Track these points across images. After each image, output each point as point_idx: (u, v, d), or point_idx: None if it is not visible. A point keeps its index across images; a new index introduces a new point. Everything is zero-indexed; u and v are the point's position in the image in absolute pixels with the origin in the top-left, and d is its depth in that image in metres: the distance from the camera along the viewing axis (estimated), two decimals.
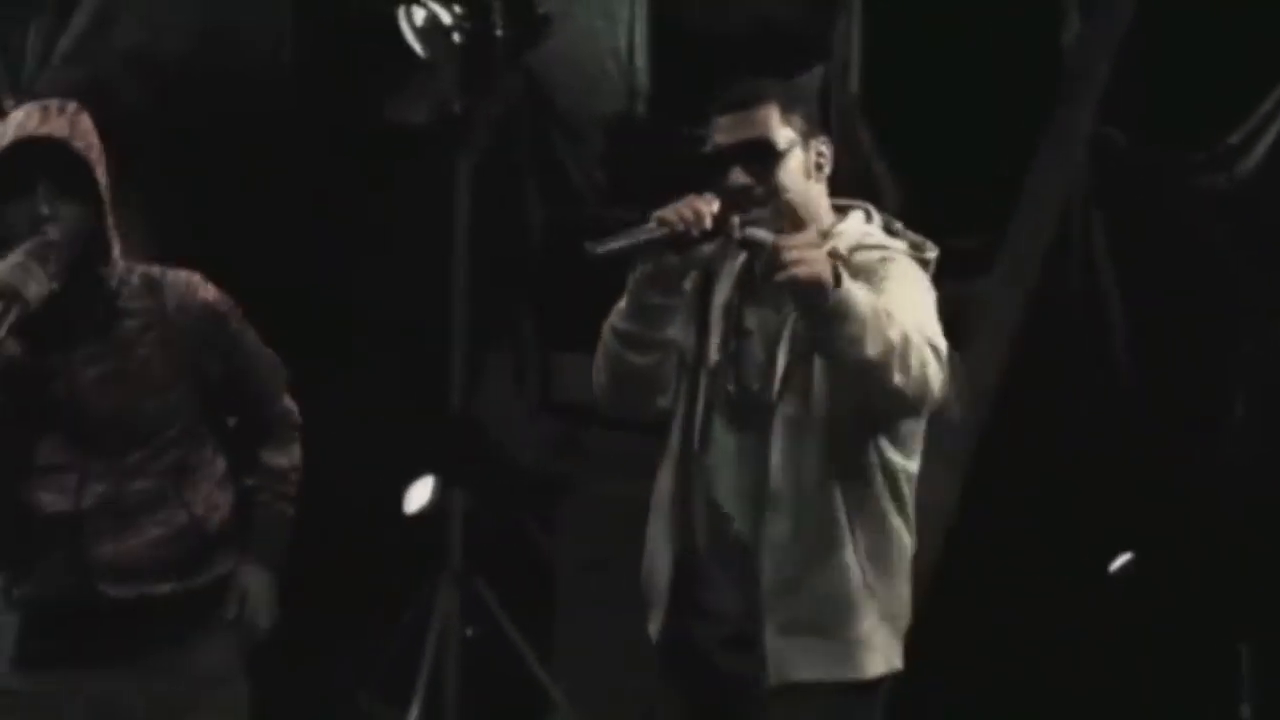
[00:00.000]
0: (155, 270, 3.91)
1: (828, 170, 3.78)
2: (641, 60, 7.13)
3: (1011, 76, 6.16)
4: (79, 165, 3.73)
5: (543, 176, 7.05)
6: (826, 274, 3.40)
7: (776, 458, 3.65)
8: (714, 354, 3.75)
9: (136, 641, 3.84)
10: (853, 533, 3.67)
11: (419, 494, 6.90)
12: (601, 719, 6.24)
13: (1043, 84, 6.30)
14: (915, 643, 5.78)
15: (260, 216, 6.56)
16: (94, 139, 3.79)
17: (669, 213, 3.57)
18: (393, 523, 6.79)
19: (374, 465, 6.70)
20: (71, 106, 3.81)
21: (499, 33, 6.63)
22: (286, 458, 4.07)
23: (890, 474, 3.72)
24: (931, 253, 3.78)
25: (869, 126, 6.54)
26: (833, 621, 3.67)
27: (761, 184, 3.66)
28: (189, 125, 6.40)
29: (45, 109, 3.79)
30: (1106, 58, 6.29)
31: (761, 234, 3.55)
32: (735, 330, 3.75)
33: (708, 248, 3.62)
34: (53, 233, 3.70)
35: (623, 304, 3.74)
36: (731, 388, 3.73)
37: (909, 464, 3.77)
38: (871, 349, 3.42)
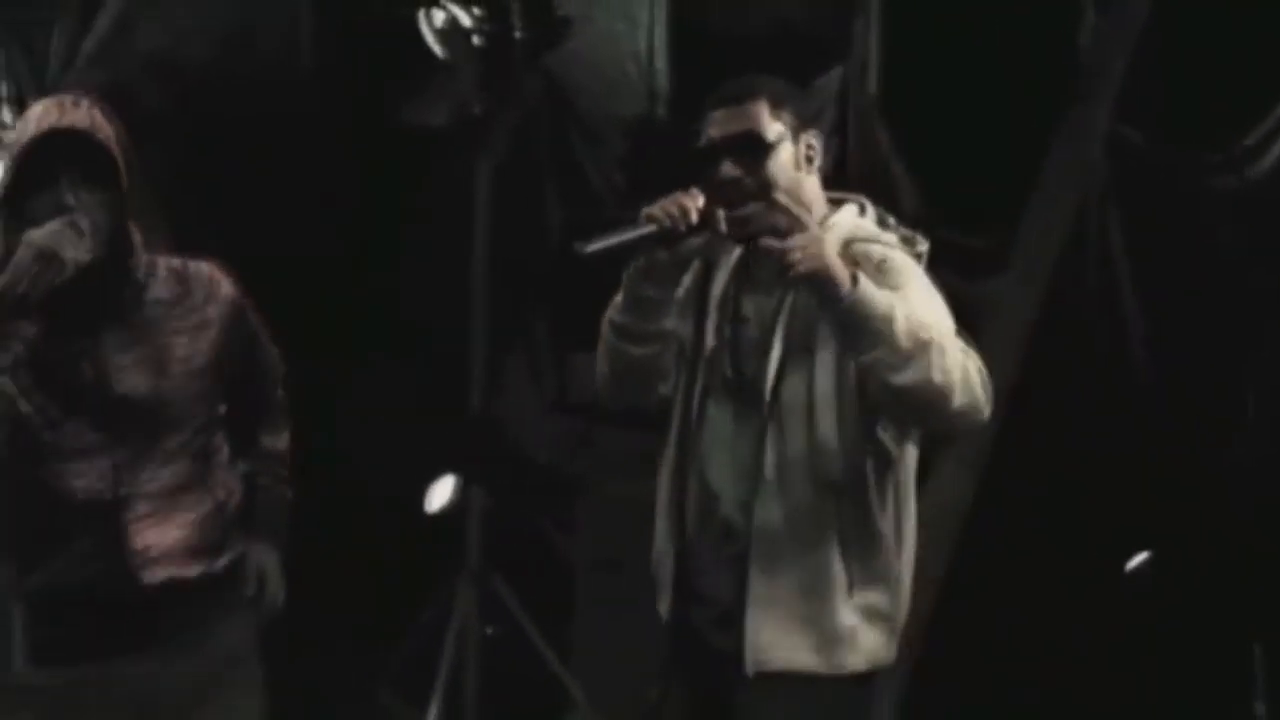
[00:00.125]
0: (177, 261, 3.99)
1: (818, 163, 3.88)
2: (661, 63, 7.15)
3: (1027, 76, 6.16)
4: (101, 156, 3.80)
5: (562, 178, 7.08)
6: (834, 264, 3.57)
7: (770, 442, 3.74)
8: (710, 340, 3.85)
9: (163, 626, 3.91)
10: (841, 520, 3.73)
11: (440, 493, 6.94)
12: (618, 718, 6.25)
13: (1058, 83, 6.29)
14: (928, 643, 5.82)
15: (280, 219, 6.61)
16: (112, 130, 3.85)
17: (656, 209, 3.70)
18: (412, 522, 6.82)
19: (394, 465, 6.74)
20: (87, 99, 3.88)
21: (518, 35, 6.67)
22: (283, 441, 4.20)
23: (887, 462, 3.80)
24: (922, 246, 3.89)
25: (886, 127, 6.54)
26: (813, 611, 3.73)
27: (751, 176, 3.77)
28: (209, 128, 6.45)
29: (61, 103, 3.87)
30: (1122, 57, 6.27)
31: (771, 243, 3.68)
32: (732, 317, 3.86)
33: (695, 241, 3.73)
34: (81, 220, 3.75)
35: (619, 298, 3.86)
36: (727, 373, 3.83)
37: (907, 451, 3.84)
38: (910, 364, 3.56)
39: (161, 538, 3.88)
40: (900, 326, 3.56)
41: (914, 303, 3.65)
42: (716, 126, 3.81)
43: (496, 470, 6.79)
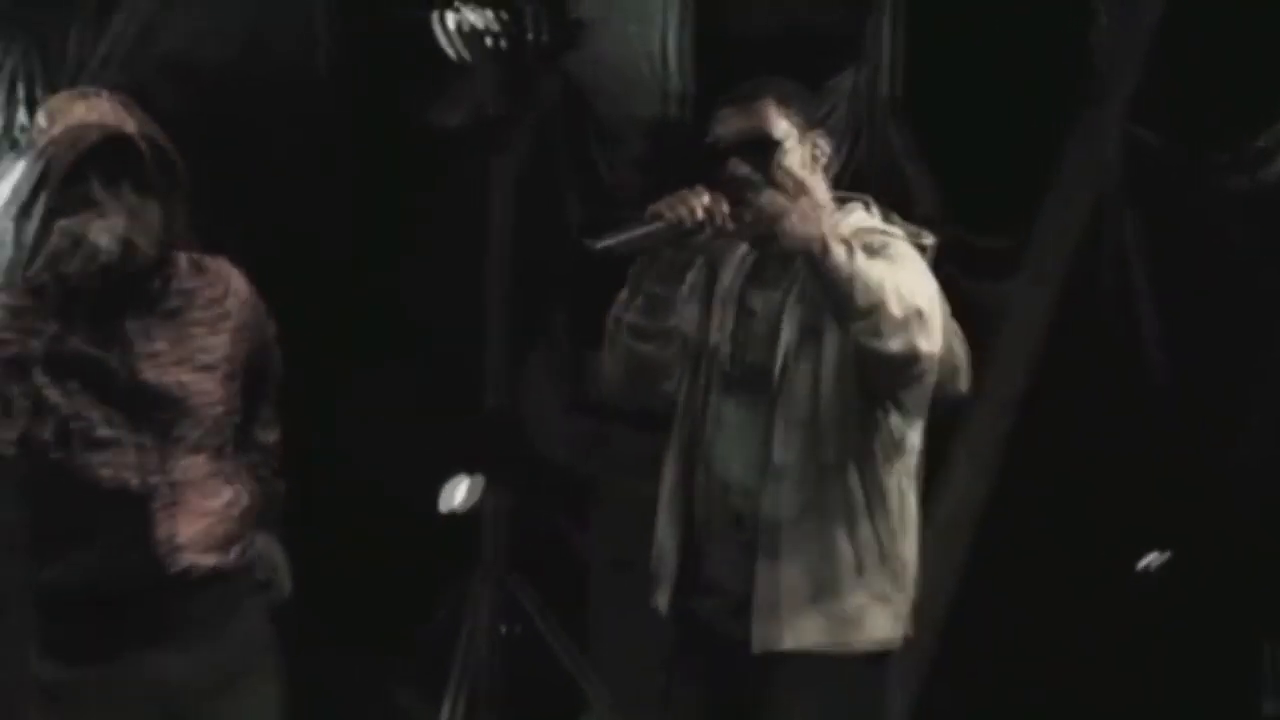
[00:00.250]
0: (195, 255, 4.03)
1: (823, 163, 3.97)
2: (676, 64, 7.17)
3: (1040, 76, 6.16)
4: (128, 149, 3.83)
5: (579, 179, 7.11)
6: (828, 231, 3.64)
7: (778, 430, 3.82)
8: (715, 334, 3.94)
9: (188, 614, 3.95)
10: (848, 503, 3.79)
11: (458, 492, 6.95)
12: (632, 717, 6.27)
13: (1072, 84, 6.30)
14: (941, 642, 5.83)
15: (297, 220, 6.64)
16: (135, 123, 3.88)
17: (663, 206, 3.77)
18: (426, 521, 6.84)
19: (407, 464, 6.76)
20: (106, 92, 3.94)
21: (534, 37, 6.69)
22: (276, 435, 4.26)
23: (895, 450, 3.89)
24: (928, 239, 3.97)
25: (900, 127, 6.56)
26: (822, 592, 3.80)
27: (759, 173, 3.85)
28: (225, 129, 6.47)
29: (85, 95, 3.93)
30: (1136, 57, 6.27)
31: (768, 201, 3.77)
32: (739, 311, 3.94)
33: (702, 238, 3.80)
34: (110, 210, 3.79)
35: (625, 296, 3.95)
36: (733, 365, 3.92)
37: (912, 435, 3.91)
38: (900, 332, 3.64)
39: (187, 527, 3.92)
40: (891, 294, 3.63)
41: (903, 276, 3.72)
42: (724, 125, 3.91)
43: (518, 469, 6.80)
